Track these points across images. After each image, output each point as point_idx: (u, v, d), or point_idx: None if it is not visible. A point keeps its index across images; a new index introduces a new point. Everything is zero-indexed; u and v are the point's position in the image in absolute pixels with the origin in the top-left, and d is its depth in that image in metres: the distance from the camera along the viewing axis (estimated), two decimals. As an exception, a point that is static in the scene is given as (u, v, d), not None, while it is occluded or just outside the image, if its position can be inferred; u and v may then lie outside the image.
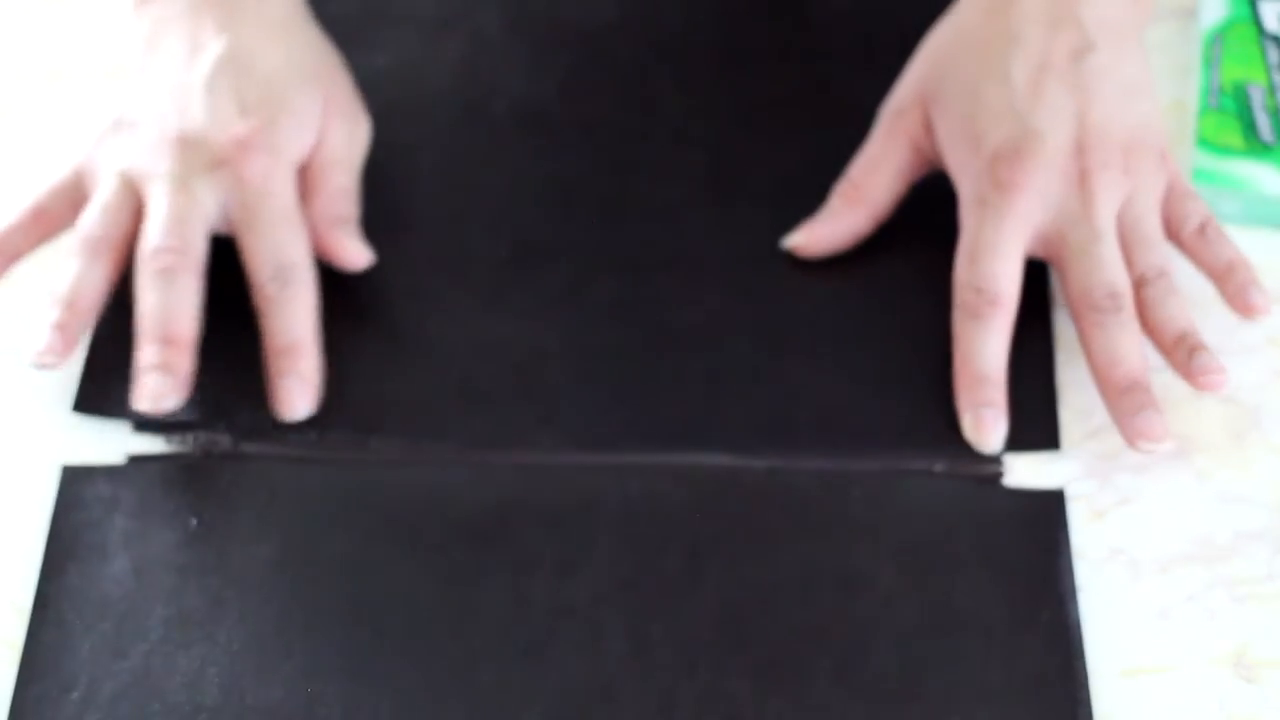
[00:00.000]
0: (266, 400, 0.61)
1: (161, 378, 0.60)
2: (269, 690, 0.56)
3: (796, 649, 0.56)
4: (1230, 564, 0.59)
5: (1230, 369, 0.61)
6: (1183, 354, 0.60)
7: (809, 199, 0.67)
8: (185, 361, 0.60)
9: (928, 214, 0.66)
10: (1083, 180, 0.62)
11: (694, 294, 0.65)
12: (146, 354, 0.60)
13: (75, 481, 0.60)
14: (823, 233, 0.66)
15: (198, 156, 0.63)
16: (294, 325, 0.61)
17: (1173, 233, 0.63)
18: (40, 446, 0.62)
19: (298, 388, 0.61)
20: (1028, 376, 0.63)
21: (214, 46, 0.64)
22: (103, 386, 0.63)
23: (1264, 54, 0.70)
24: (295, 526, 0.59)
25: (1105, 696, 0.56)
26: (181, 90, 0.64)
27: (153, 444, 0.62)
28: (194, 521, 0.59)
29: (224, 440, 0.61)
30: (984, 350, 0.61)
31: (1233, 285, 0.62)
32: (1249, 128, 0.68)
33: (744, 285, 0.65)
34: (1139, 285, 0.61)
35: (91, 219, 0.63)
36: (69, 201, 0.64)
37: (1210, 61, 0.70)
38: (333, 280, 0.64)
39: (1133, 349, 0.60)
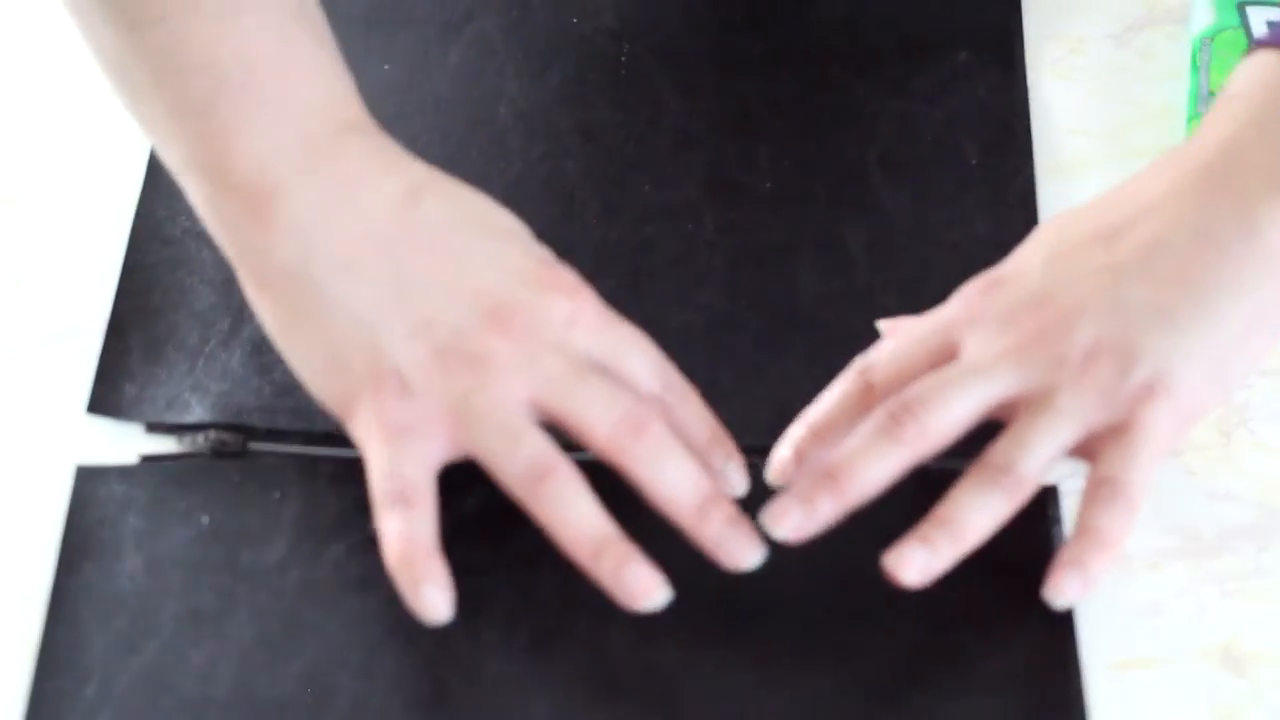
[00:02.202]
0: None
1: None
2: (279, 685, 0.56)
3: (798, 642, 0.57)
4: (1218, 559, 0.59)
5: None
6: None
7: (805, 201, 0.67)
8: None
9: (932, 227, 0.67)
10: (1007, 320, 0.56)
11: (693, 294, 0.65)
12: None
13: (89, 480, 0.61)
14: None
15: (544, 332, 0.57)
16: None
17: (1086, 463, 0.56)
18: (55, 447, 0.62)
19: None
20: None
21: (415, 212, 0.58)
22: (115, 388, 0.63)
23: (1251, 59, 0.71)
24: (303, 524, 0.60)
25: (1097, 689, 0.56)
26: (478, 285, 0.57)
27: (164, 444, 0.62)
28: (205, 520, 0.60)
29: (234, 440, 0.61)
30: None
31: (1070, 550, 0.55)
32: (1237, 131, 0.68)
33: (743, 285, 0.65)
34: (977, 467, 0.56)
35: (519, 461, 0.56)
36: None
37: (1199, 67, 0.70)
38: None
39: (886, 470, 0.56)
